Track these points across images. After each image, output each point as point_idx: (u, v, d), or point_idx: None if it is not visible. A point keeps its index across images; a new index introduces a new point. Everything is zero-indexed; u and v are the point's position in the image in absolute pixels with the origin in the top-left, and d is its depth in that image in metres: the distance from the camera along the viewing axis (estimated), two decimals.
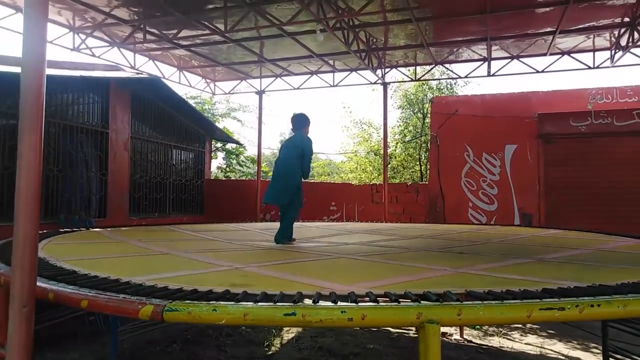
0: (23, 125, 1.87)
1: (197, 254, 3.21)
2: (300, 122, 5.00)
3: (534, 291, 1.96)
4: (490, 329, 6.05)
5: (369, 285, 2.11)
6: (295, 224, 4.95)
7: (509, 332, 5.93)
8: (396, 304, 1.74)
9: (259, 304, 1.75)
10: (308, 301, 1.79)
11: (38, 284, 2.01)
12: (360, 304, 1.73)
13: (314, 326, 1.63)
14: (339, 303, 1.74)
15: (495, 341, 5.56)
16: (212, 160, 13.38)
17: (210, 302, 1.76)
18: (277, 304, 1.74)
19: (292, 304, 1.73)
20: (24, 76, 1.91)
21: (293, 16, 6.35)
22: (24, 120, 1.88)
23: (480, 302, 1.75)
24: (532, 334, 5.86)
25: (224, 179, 14.35)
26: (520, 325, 6.20)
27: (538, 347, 5.38)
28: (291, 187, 4.79)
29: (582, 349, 5.22)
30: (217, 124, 14.73)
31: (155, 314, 1.72)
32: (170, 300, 1.78)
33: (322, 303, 1.75)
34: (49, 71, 7.15)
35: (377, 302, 1.78)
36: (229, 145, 14.61)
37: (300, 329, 5.96)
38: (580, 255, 3.45)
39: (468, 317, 1.66)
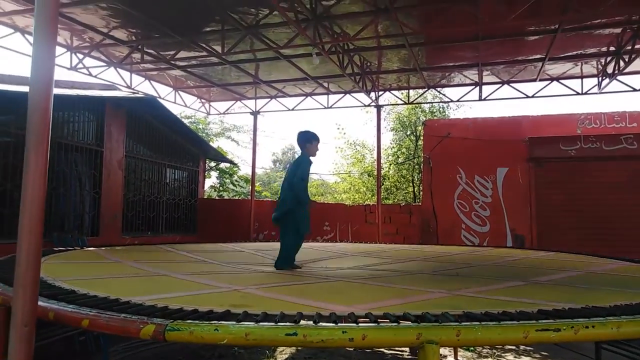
0: (30, 146, 1.90)
1: (194, 276, 3.21)
2: (302, 139, 4.65)
3: (530, 312, 2.00)
4: (484, 350, 6.03)
5: (367, 307, 2.13)
6: None
7: (503, 354, 5.92)
8: (396, 324, 1.77)
9: (260, 324, 1.76)
10: (306, 321, 1.80)
11: (38, 303, 2.01)
12: (360, 324, 1.75)
13: (315, 346, 1.65)
14: (339, 324, 1.76)
15: None
16: (206, 180, 13.39)
17: (212, 322, 1.77)
18: (278, 324, 1.76)
19: (293, 324, 1.75)
20: (32, 97, 1.94)
21: (289, 40, 6.48)
22: (31, 141, 1.90)
23: (478, 323, 1.78)
24: (526, 356, 5.85)
25: (217, 198, 14.33)
26: (514, 347, 6.20)
27: None
28: (283, 208, 4.60)
29: None
30: (211, 143, 14.78)
31: (157, 334, 1.73)
32: (172, 320, 1.79)
33: (322, 324, 1.77)
34: None
35: (377, 322, 1.81)
36: (223, 165, 14.65)
37: (293, 350, 5.90)
38: (571, 277, 3.50)
39: (467, 338, 1.69)
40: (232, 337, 1.69)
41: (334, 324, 1.74)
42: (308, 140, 4.59)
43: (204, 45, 7.10)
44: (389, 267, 4.35)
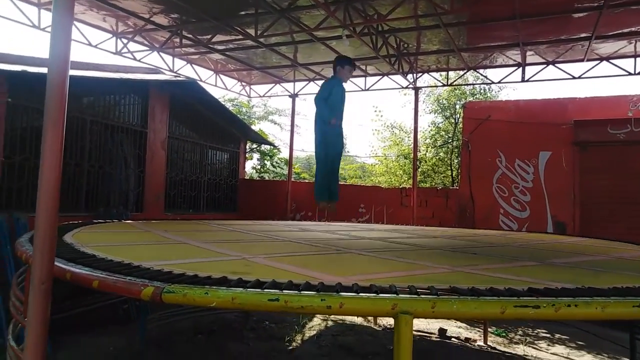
0: (47, 122, 2.08)
1: (212, 244, 3.38)
2: (336, 62, 4.99)
3: (519, 290, 2.00)
4: (517, 336, 5.97)
5: (361, 278, 2.20)
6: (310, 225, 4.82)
7: (536, 341, 5.85)
8: (374, 294, 1.83)
9: (248, 289, 1.88)
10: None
11: (58, 265, 2.23)
12: (340, 293, 1.83)
13: (295, 312, 1.75)
14: (320, 292, 1.84)
15: (520, 349, 5.50)
16: (248, 161, 13.73)
17: (205, 286, 1.91)
18: (264, 290, 1.87)
19: (277, 290, 1.86)
20: (50, 75, 2.11)
21: (320, 22, 6.51)
22: (48, 117, 2.08)
23: (456, 296, 1.81)
24: (560, 344, 5.75)
25: (257, 179, 14.69)
26: (548, 335, 6.10)
27: (564, 357, 5.28)
28: (315, 133, 4.82)
29: None
30: (254, 126, 15.08)
31: (155, 295, 1.88)
32: (170, 283, 1.94)
33: (305, 292, 1.86)
34: (93, 73, 7.59)
35: (359, 293, 1.88)
36: (264, 147, 14.98)
37: (322, 327, 6.08)
38: (593, 261, 3.39)
39: (442, 310, 1.73)
40: (220, 300, 1.81)
41: (315, 292, 1.83)
42: (340, 64, 4.95)
43: (239, 29, 7.26)
44: (409, 241, 4.38)
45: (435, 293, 1.86)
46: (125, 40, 7.82)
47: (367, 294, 1.82)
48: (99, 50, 7.69)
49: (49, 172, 2.08)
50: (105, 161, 7.83)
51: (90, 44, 7.44)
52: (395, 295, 1.82)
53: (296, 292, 1.83)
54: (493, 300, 1.78)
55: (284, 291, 1.83)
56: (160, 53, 8.44)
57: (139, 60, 8.35)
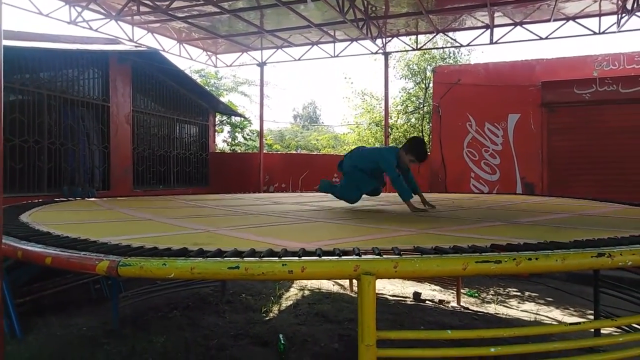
0: None
1: (178, 220, 3.30)
2: (406, 147, 4.16)
3: (483, 247, 2.00)
4: (488, 296, 6.12)
5: (326, 244, 2.17)
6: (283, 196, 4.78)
7: (507, 300, 6.00)
8: (337, 257, 1.80)
9: (208, 259, 1.82)
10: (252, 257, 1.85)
11: (9, 243, 2.12)
12: (301, 257, 1.79)
13: (256, 279, 1.70)
14: (282, 258, 1.80)
15: (492, 308, 5.64)
16: (219, 134, 13.46)
17: (162, 258, 1.84)
18: (224, 258, 1.81)
19: (238, 258, 1.80)
20: None
21: None
22: None
23: (419, 255, 1.80)
24: (530, 302, 5.92)
25: (229, 152, 14.46)
26: (518, 293, 6.27)
27: (534, 313, 5.43)
28: (346, 171, 4.63)
29: (579, 315, 5.27)
30: (223, 98, 14.72)
31: (111, 269, 1.80)
32: (127, 257, 1.86)
33: (266, 258, 1.81)
34: (48, 45, 7.18)
35: (322, 256, 1.84)
36: (235, 119, 14.68)
37: (299, 297, 6.10)
38: (558, 219, 3.45)
39: (404, 269, 1.71)
40: (179, 271, 1.75)
41: (276, 258, 1.78)
42: (410, 150, 4.12)
43: None
44: (379, 208, 4.38)
45: (398, 253, 1.84)
46: (79, 9, 7.38)
47: (330, 257, 1.79)
48: (52, 19, 7.26)
49: None
50: (66, 138, 7.53)
51: (41, 13, 6.99)
52: (358, 257, 1.80)
53: (257, 259, 1.78)
54: (455, 257, 1.78)
55: (244, 259, 1.79)
56: (119, 22, 8.04)
57: (96, 30, 7.93)
